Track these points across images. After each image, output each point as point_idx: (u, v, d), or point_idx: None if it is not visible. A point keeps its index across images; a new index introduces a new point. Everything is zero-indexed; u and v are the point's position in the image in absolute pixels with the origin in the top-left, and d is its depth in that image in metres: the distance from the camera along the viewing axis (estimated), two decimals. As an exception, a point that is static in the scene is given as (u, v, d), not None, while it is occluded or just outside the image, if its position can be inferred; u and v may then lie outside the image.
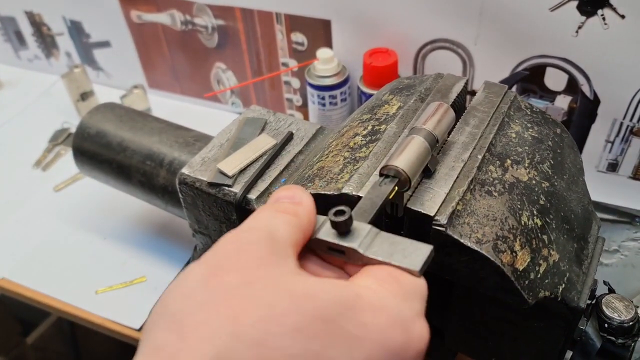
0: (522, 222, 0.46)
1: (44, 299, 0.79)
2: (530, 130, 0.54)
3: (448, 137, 0.51)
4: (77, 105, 1.08)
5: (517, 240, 0.45)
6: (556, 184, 0.51)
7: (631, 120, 0.78)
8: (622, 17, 0.70)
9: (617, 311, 0.49)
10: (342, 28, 0.89)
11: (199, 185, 0.60)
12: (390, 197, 0.41)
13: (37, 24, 1.16)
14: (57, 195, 0.95)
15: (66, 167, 0.98)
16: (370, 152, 0.51)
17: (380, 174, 0.43)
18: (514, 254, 0.44)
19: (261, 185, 0.59)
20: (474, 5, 0.77)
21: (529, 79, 0.81)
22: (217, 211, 0.61)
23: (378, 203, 0.39)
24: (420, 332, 0.30)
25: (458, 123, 0.53)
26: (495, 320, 0.51)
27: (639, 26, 0.70)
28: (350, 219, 0.33)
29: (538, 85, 0.81)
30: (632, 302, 0.50)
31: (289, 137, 0.64)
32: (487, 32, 0.79)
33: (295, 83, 1.01)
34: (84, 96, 1.07)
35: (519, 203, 0.47)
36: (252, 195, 0.58)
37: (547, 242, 0.47)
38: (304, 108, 1.03)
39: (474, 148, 0.50)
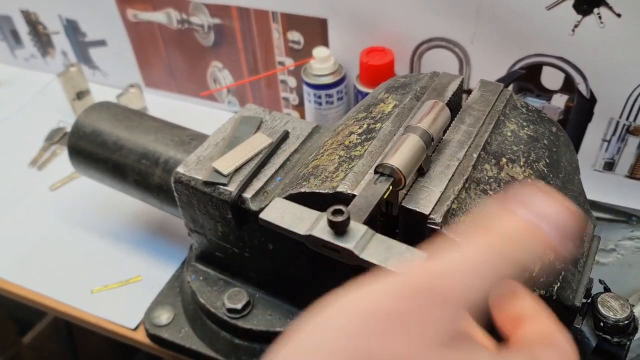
0: (518, 221, 0.46)
1: (40, 298, 0.79)
2: (526, 128, 0.54)
3: (443, 135, 0.51)
4: (73, 104, 1.07)
5: (513, 238, 0.45)
6: (552, 182, 0.51)
7: (627, 119, 0.78)
8: (619, 15, 0.70)
9: (613, 310, 0.49)
10: (338, 27, 0.89)
11: (194, 184, 0.60)
12: (385, 195, 0.41)
13: (33, 23, 1.16)
14: (52, 194, 0.94)
15: (62, 166, 0.98)
16: (365, 150, 0.51)
17: (375, 172, 0.43)
18: (509, 253, 0.44)
19: (257, 184, 0.59)
20: (470, 4, 0.77)
21: (526, 78, 0.81)
22: (213, 210, 0.61)
23: (373, 201, 0.39)
24: None
25: (453, 121, 0.53)
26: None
27: (635, 25, 0.70)
28: (348, 219, 0.33)
29: (534, 84, 0.81)
30: (628, 300, 0.50)
31: (285, 136, 0.64)
32: (484, 30, 0.79)
33: (292, 82, 1.00)
34: (80, 95, 1.07)
35: (514, 202, 0.47)
36: (248, 194, 0.58)
37: (542, 240, 0.47)
38: (300, 107, 1.02)
39: (470, 146, 0.50)
